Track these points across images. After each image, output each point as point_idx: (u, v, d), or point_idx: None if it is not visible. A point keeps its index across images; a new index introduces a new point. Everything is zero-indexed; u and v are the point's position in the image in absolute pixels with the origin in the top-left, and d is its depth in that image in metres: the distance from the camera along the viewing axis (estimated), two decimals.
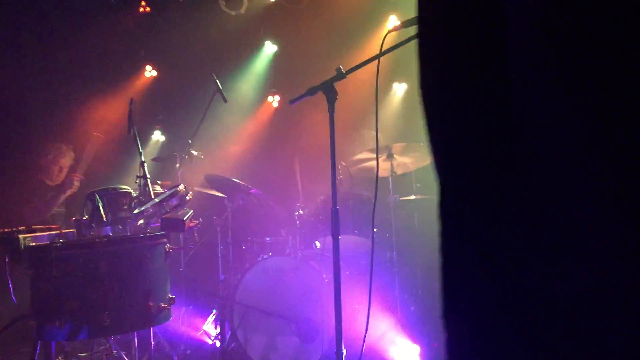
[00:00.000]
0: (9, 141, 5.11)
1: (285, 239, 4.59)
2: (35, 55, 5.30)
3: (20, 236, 3.16)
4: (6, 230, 3.30)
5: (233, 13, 5.78)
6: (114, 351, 3.48)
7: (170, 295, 3.17)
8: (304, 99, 2.92)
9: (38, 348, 3.12)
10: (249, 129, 6.12)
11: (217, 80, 4.64)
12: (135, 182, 4.02)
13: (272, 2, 5.88)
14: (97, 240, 2.97)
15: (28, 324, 3.01)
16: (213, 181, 4.67)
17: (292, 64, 6.01)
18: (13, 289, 3.29)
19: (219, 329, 4.15)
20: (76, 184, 4.78)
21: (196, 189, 4.30)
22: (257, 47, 6.09)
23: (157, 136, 5.85)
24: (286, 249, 4.52)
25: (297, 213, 4.56)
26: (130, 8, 5.85)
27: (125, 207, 3.69)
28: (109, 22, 5.76)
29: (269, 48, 6.15)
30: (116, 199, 3.65)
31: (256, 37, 6.01)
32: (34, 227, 3.50)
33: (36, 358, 3.13)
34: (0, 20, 5.09)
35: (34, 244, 3.20)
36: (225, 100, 4.72)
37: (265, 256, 4.24)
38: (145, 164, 4.08)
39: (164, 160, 5.14)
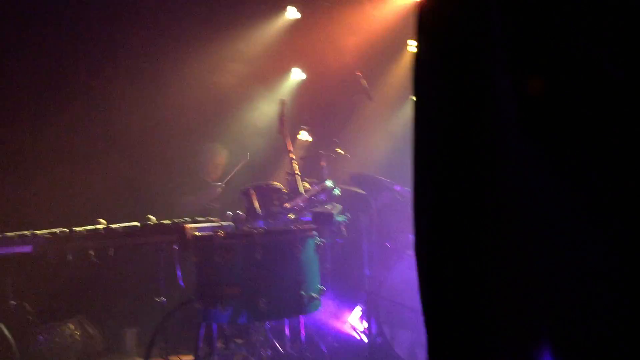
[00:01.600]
0: (174, 142, 5.57)
1: None
2: (188, 62, 5.73)
3: (187, 226, 3.45)
4: (174, 220, 3.62)
5: (378, 13, 5.85)
6: (269, 339, 3.66)
7: (320, 286, 3.28)
8: None
9: (202, 330, 3.38)
10: (394, 127, 6.15)
11: (363, 80, 4.73)
12: (286, 179, 4.23)
13: (418, 1, 5.86)
14: (254, 231, 3.16)
15: (193, 308, 3.28)
16: (358, 179, 4.75)
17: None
18: (181, 275, 3.60)
19: (365, 324, 4.22)
20: (219, 191, 5.12)
21: (342, 186, 4.40)
22: (401, 47, 6.10)
23: (305, 136, 6.07)
24: None
25: None
26: (279, 13, 6.13)
27: (277, 202, 3.88)
28: (258, 27, 6.09)
29: (414, 47, 6.12)
30: (268, 194, 3.86)
31: (401, 37, 6.03)
32: (197, 218, 3.80)
33: (200, 339, 3.40)
34: (163, 31, 5.57)
35: (198, 233, 3.48)
36: (370, 99, 4.80)
37: (410, 252, 4.23)
38: (294, 161, 4.26)
39: (311, 158, 5.32)
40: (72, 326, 4.28)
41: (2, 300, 3.86)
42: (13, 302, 3.84)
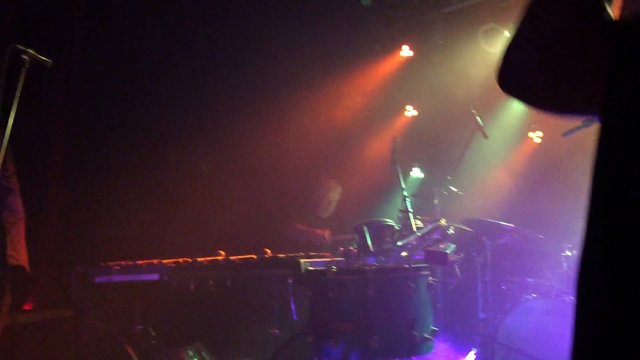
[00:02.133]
0: (292, 177, 5.75)
1: (550, 282, 4.32)
2: (307, 100, 5.93)
3: (301, 260, 3.54)
4: (289, 254, 3.72)
5: (493, 50, 5.76)
6: None
7: (433, 327, 3.22)
8: (578, 132, 2.77)
9: None
10: (511, 165, 5.96)
11: (478, 117, 4.65)
12: (398, 216, 4.21)
13: None
14: (367, 267, 3.18)
15: (306, 342, 3.32)
16: (471, 223, 4.64)
17: None
18: (294, 308, 3.68)
19: None
20: (326, 237, 5.17)
21: (455, 225, 4.32)
22: None
23: (417, 172, 6.05)
24: (551, 291, 4.25)
25: (564, 253, 4.27)
26: (393, 52, 6.22)
27: (389, 239, 3.88)
28: (373, 65, 6.21)
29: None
30: (381, 231, 3.86)
31: None
32: (310, 253, 3.88)
33: None
34: (285, 70, 5.83)
35: (311, 268, 3.55)
36: (486, 137, 4.70)
37: (529, 297, 4.05)
38: (407, 199, 4.25)
39: (424, 196, 5.28)
40: (191, 352, 4.47)
41: (130, 325, 4.13)
42: (139, 327, 4.09)
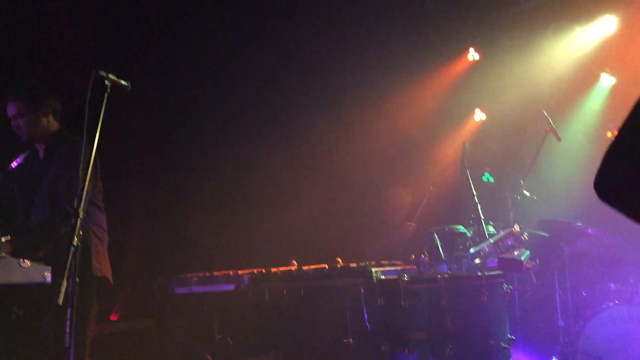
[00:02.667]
0: (361, 185, 5.78)
1: (633, 288, 4.13)
2: (374, 107, 5.95)
3: (373, 269, 3.56)
4: (361, 264, 3.75)
5: (564, 49, 5.60)
6: None
7: (510, 336, 3.16)
8: None
9: None
10: (584, 167, 5.76)
11: (550, 119, 4.53)
12: (470, 223, 4.16)
13: (609, 35, 5.51)
14: (439, 276, 3.16)
15: (380, 351, 3.33)
16: (548, 225, 4.51)
17: (632, 95, 5.48)
18: (367, 317, 3.70)
19: None
20: (411, 229, 5.14)
21: (530, 230, 4.22)
22: (591, 81, 5.75)
23: (488, 178, 5.94)
24: (635, 298, 4.07)
25: None
26: (461, 56, 6.15)
27: (461, 246, 3.83)
28: (441, 70, 6.16)
29: (606, 81, 5.73)
30: (452, 238, 3.83)
31: (590, 71, 5.69)
32: (382, 262, 3.89)
33: None
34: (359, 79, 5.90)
35: (383, 277, 3.56)
36: (559, 139, 4.57)
37: (611, 304, 3.89)
38: (479, 205, 4.19)
39: (496, 201, 5.17)
40: None
41: (209, 334, 4.27)
42: (218, 336, 4.23)
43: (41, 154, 3.35)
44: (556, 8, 5.74)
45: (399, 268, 4.01)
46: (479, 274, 3.24)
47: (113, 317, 4.37)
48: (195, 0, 5.75)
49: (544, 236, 4.49)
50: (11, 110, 3.29)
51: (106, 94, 2.54)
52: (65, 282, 2.17)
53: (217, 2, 5.73)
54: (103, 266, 3.26)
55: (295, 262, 4.02)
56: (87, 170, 2.46)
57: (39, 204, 3.23)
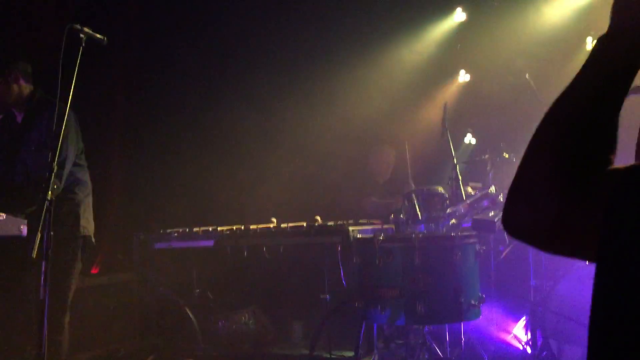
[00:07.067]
0: (346, 144, 5.79)
1: None
2: (359, 66, 5.92)
3: (350, 228, 3.62)
4: (339, 222, 3.81)
5: (550, 11, 5.57)
6: (427, 342, 3.69)
7: (480, 294, 3.25)
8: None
9: (363, 328, 3.52)
10: None
11: (531, 81, 4.55)
12: (448, 184, 4.21)
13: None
14: (413, 235, 3.22)
15: (355, 307, 3.42)
16: None
17: None
18: (344, 274, 3.78)
19: (529, 335, 4.06)
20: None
21: (507, 192, 4.27)
22: (577, 45, 5.75)
23: (469, 139, 5.97)
24: None
25: None
26: (446, 17, 6.10)
27: (439, 206, 3.89)
28: (424, 31, 6.12)
29: (591, 45, 5.71)
30: (430, 199, 3.88)
31: (576, 33, 5.68)
32: (360, 220, 3.95)
33: (361, 337, 3.54)
34: (340, 35, 5.84)
35: (360, 236, 3.62)
36: (540, 102, 4.60)
37: (582, 264, 3.99)
38: (458, 167, 4.24)
39: (476, 163, 5.22)
40: (247, 315, 4.67)
41: (189, 288, 4.35)
42: (197, 290, 4.30)
43: (19, 118, 3.25)
44: None
45: (377, 227, 4.08)
46: (452, 234, 3.30)
47: (94, 271, 4.42)
48: None
49: None
50: None
51: (81, 48, 2.52)
52: (39, 235, 2.19)
53: None
54: (89, 224, 3.30)
55: (274, 220, 4.06)
56: (63, 128, 2.46)
57: (20, 171, 3.17)
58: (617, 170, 0.89)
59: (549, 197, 0.90)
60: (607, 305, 0.83)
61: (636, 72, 0.97)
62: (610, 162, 0.93)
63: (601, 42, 1.01)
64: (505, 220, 0.96)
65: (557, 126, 0.95)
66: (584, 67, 1.01)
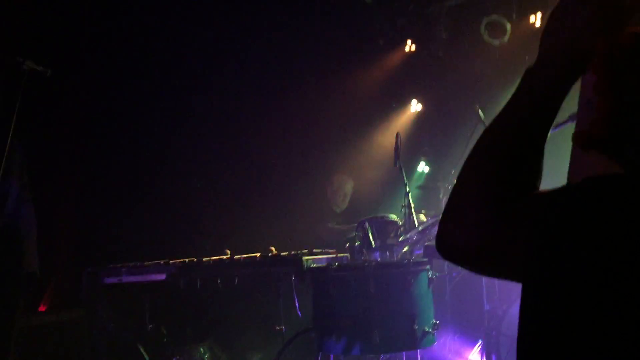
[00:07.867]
0: (304, 172, 5.80)
1: None
2: (312, 95, 5.98)
3: (304, 258, 3.60)
4: (292, 252, 3.79)
5: (496, 43, 5.76)
6: None
7: (434, 321, 3.26)
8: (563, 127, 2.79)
9: (319, 359, 3.48)
10: None
11: (480, 111, 4.67)
12: (401, 212, 4.26)
13: (539, 28, 5.70)
14: (366, 264, 3.23)
15: (311, 337, 3.39)
16: None
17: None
18: (299, 304, 3.75)
19: None
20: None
21: None
22: (520, 72, 5.96)
23: (422, 167, 6.08)
24: None
25: None
26: (397, 48, 6.25)
27: (392, 234, 3.92)
28: (377, 61, 6.25)
29: None
30: (384, 227, 3.92)
31: (522, 65, 5.89)
32: (314, 250, 3.94)
33: None
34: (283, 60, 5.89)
35: (314, 265, 3.61)
36: None
37: None
38: (410, 194, 4.29)
39: (428, 189, 5.30)
40: (202, 349, 4.57)
41: (141, 324, 4.23)
42: (150, 325, 4.19)
43: None
44: (490, 3, 5.90)
45: (331, 256, 4.07)
46: (405, 261, 3.33)
47: (41, 308, 4.27)
48: None
49: None
50: None
51: (23, 81, 2.47)
52: None
53: None
54: (33, 260, 3.20)
55: (228, 252, 4.02)
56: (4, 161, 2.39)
57: None
58: (541, 194, 0.92)
59: (478, 220, 0.92)
60: (533, 321, 0.85)
61: (561, 102, 1.01)
62: (535, 187, 0.96)
63: (527, 73, 1.04)
64: (438, 242, 0.99)
65: (486, 154, 0.98)
66: (511, 98, 1.04)
